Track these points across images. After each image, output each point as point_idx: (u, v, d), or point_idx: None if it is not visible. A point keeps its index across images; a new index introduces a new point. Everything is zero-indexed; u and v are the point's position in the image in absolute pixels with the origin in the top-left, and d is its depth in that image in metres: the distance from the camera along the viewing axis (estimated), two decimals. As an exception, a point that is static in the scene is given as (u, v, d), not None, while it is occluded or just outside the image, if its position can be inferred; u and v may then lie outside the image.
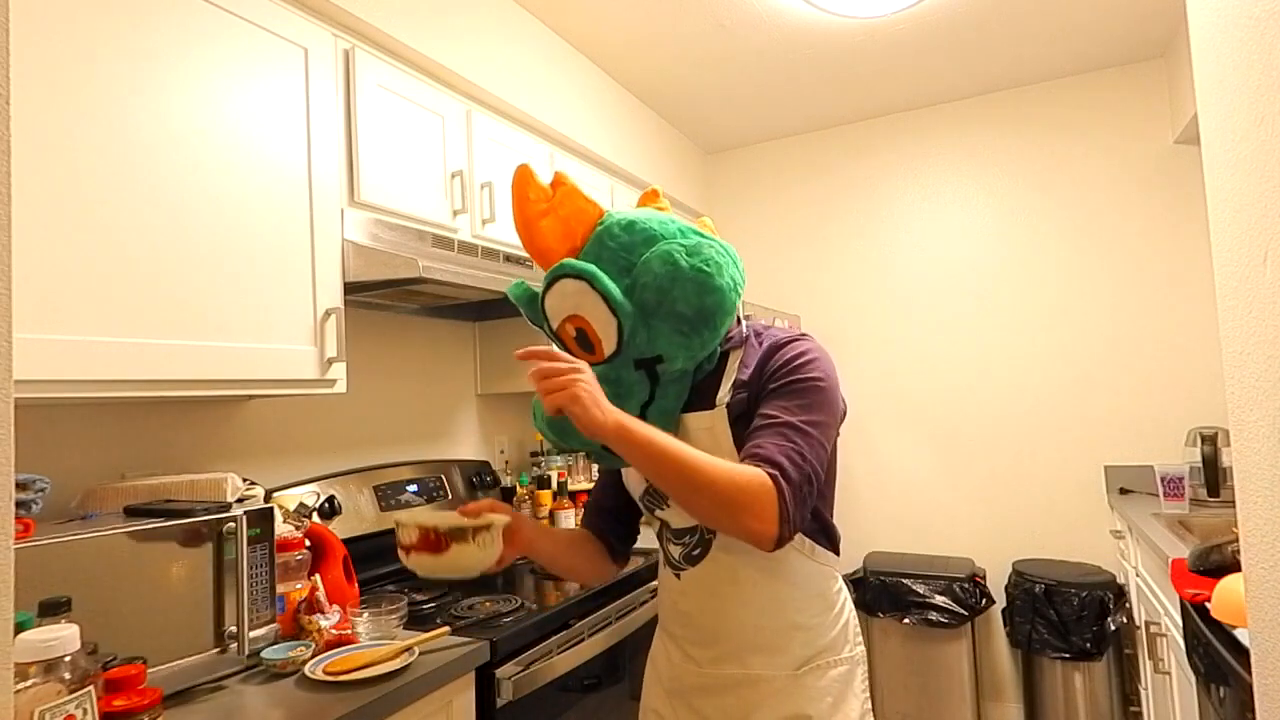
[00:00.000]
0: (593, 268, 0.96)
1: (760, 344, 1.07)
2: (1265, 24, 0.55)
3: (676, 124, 3.13)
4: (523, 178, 1.01)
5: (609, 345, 0.98)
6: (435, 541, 0.99)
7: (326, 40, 1.52)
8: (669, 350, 0.98)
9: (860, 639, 1.12)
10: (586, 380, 0.90)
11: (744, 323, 1.10)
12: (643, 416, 0.99)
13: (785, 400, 0.98)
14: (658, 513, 1.11)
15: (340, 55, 1.56)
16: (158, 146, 1.20)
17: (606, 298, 0.95)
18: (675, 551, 1.10)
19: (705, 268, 0.96)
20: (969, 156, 3.00)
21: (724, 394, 1.03)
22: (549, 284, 0.99)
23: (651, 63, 2.56)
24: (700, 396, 1.05)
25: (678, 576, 1.10)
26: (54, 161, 1.06)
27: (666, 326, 0.97)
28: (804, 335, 1.07)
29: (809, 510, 0.95)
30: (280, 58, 1.42)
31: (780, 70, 2.67)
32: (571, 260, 0.97)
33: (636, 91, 2.78)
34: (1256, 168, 0.58)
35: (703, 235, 1.03)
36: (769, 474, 0.91)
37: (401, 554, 1.03)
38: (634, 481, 1.14)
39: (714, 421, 1.03)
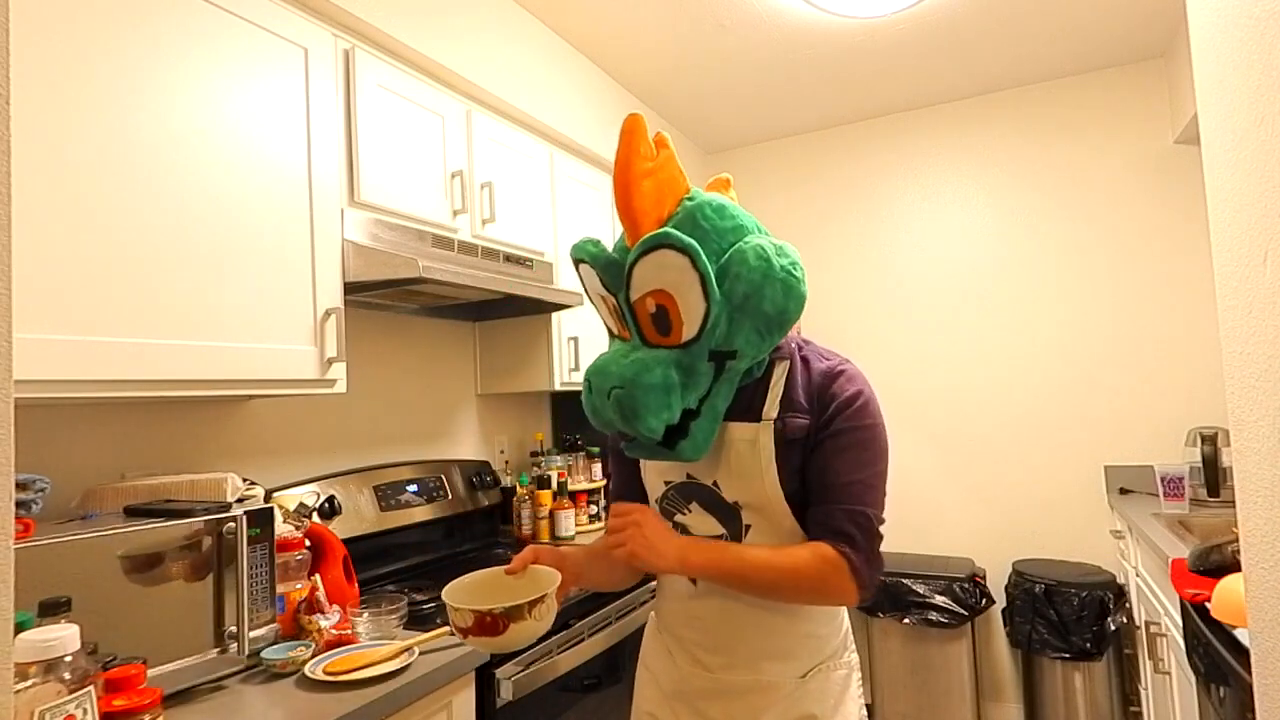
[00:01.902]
0: (697, 245, 0.91)
1: (807, 364, 1.05)
2: (1265, 24, 0.55)
3: (676, 124, 3.13)
4: (637, 129, 0.92)
5: (690, 330, 0.93)
6: (492, 624, 0.93)
7: (326, 40, 1.52)
8: (744, 347, 0.95)
9: (854, 646, 1.13)
10: (645, 532, 0.96)
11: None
12: (697, 412, 0.96)
13: (853, 453, 0.99)
14: (677, 518, 1.09)
15: (340, 55, 1.56)
16: (157, 146, 1.20)
17: (704, 280, 0.91)
18: None
19: (794, 271, 0.94)
20: (969, 156, 3.00)
21: (771, 409, 1.01)
22: (648, 250, 0.91)
23: (652, 63, 2.56)
24: (743, 405, 1.02)
25: (694, 582, 1.07)
26: (54, 161, 1.06)
27: (749, 323, 0.94)
28: (847, 363, 1.06)
29: (880, 558, 1.00)
30: (280, 58, 1.42)
31: (780, 70, 2.67)
32: (678, 232, 0.91)
33: (636, 91, 2.78)
34: (1256, 168, 0.58)
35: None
36: (838, 550, 0.96)
37: (458, 635, 0.96)
38: (653, 481, 1.12)
39: (758, 434, 1.00)
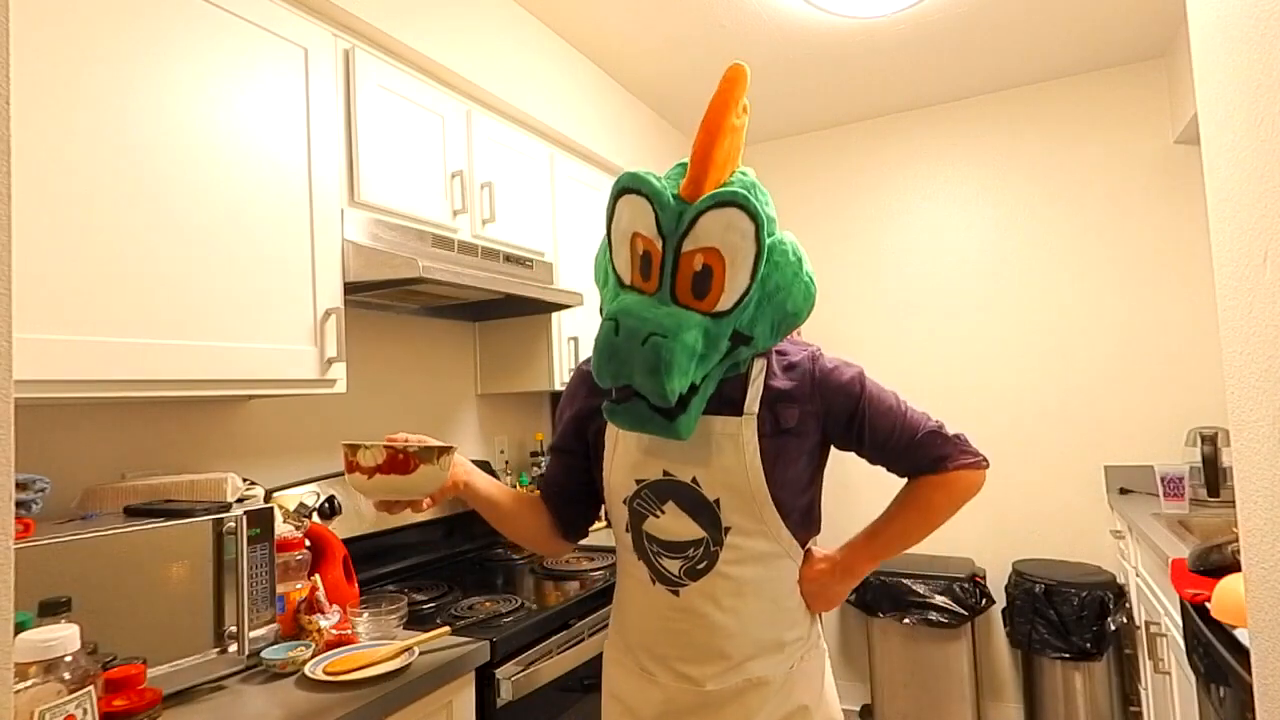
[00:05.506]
0: (767, 216, 0.89)
1: (783, 356, 1.06)
2: (1265, 24, 0.55)
3: (677, 124, 3.13)
4: (741, 79, 0.88)
5: (727, 300, 0.89)
6: (404, 462, 0.97)
7: (326, 40, 1.52)
8: (759, 337, 0.95)
9: (821, 631, 1.14)
10: (828, 595, 1.08)
11: None
12: (694, 389, 0.92)
13: (881, 412, 1.05)
14: (646, 524, 1.03)
15: (340, 55, 1.56)
16: (157, 146, 1.20)
17: (758, 256, 0.89)
18: (673, 567, 1.02)
19: (810, 281, 0.98)
20: (969, 156, 3.00)
21: (752, 403, 1.01)
22: (722, 203, 0.87)
23: (652, 63, 2.56)
24: (723, 399, 1.01)
25: (676, 594, 1.02)
26: (53, 161, 1.06)
27: (770, 315, 0.94)
28: (819, 351, 1.09)
29: (962, 436, 1.07)
30: (280, 58, 1.42)
31: (780, 70, 2.67)
32: (753, 198, 0.88)
33: (636, 91, 2.78)
34: (1256, 168, 0.58)
35: None
36: (940, 471, 1.05)
37: (360, 477, 0.97)
38: (621, 480, 1.06)
39: (740, 429, 0.99)
